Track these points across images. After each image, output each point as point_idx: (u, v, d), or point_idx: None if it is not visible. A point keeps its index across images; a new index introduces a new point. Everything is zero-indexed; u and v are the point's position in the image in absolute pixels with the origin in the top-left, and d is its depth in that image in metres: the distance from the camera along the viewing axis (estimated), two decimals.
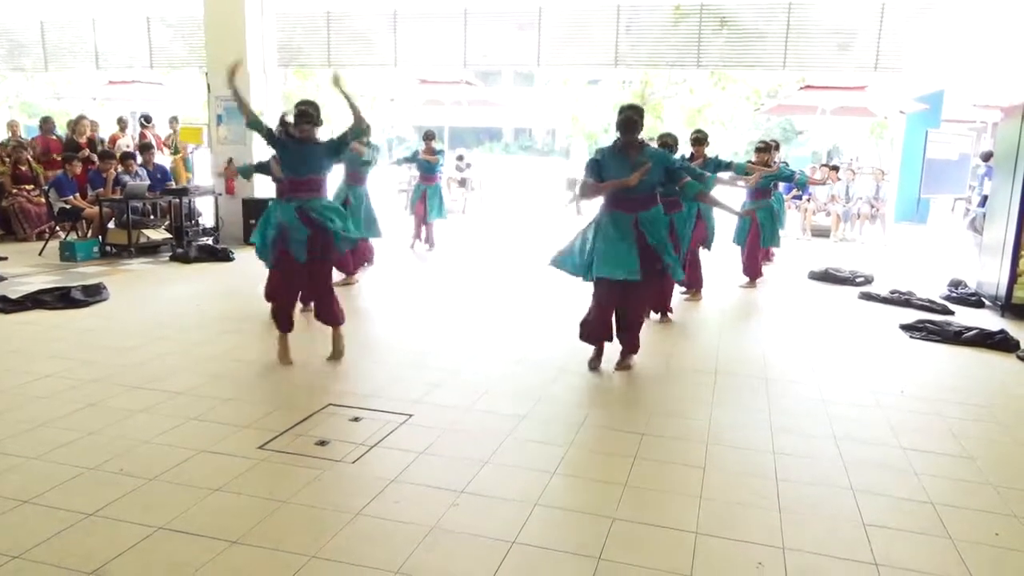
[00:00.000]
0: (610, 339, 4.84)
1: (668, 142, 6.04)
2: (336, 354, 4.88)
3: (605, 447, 3.62)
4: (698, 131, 6.91)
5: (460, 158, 15.95)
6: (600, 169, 4.59)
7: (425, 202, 9.28)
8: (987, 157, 12.78)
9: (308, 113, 4.67)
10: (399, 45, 12.40)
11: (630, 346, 4.85)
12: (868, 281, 8.06)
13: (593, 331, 4.79)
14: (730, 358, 5.19)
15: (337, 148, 4.75)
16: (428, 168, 9.23)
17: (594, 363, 4.82)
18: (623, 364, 4.83)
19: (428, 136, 9.34)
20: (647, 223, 4.54)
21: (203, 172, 12.21)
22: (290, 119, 4.71)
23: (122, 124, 12.34)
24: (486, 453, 3.48)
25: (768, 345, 5.56)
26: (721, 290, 7.49)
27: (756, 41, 11.42)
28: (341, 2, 12.39)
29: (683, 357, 5.21)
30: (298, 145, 4.69)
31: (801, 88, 14.12)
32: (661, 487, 3.20)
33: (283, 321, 4.82)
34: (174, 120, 12.67)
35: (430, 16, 12.28)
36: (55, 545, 2.63)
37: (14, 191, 9.74)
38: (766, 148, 7.76)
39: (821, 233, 12.16)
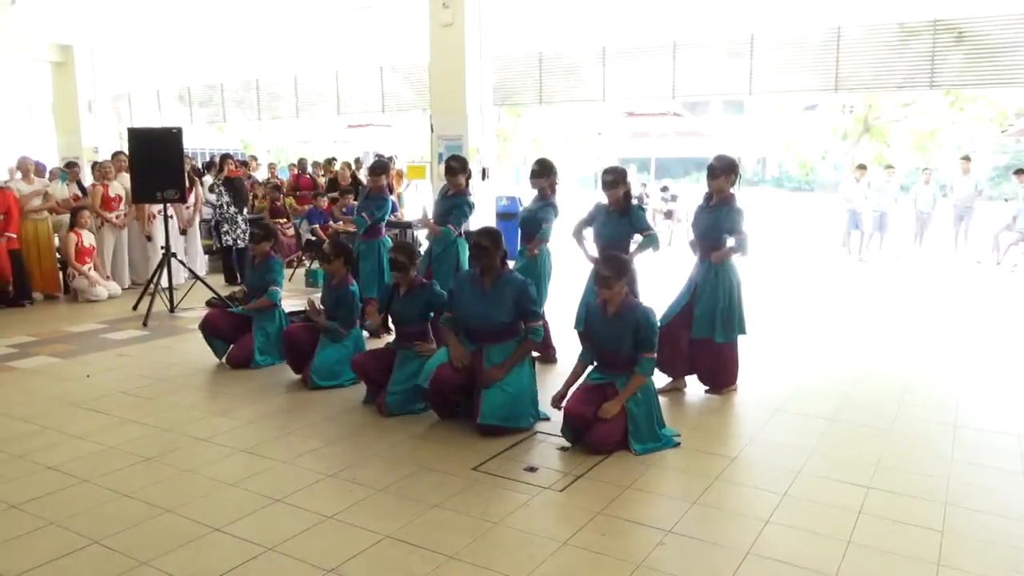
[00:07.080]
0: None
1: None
2: None
3: (824, 498, 3.38)
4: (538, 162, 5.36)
5: (664, 189, 15.80)
6: (453, 300, 4.20)
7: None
8: None
9: (398, 261, 4.30)
10: (607, 79, 12.62)
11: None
12: None
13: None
14: (971, 406, 4.62)
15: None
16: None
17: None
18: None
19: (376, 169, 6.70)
20: (495, 356, 4.05)
21: (414, 208, 13.04)
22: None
23: (358, 164, 13.71)
24: (695, 493, 3.40)
25: (1018, 394, 4.87)
26: (963, 330, 6.71)
27: (999, 55, 10.21)
28: (552, 42, 12.88)
29: (913, 406, 4.70)
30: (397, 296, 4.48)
31: None
32: (890, 548, 2.93)
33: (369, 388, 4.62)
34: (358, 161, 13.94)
35: (638, 50, 12.38)
36: (303, 538, 2.96)
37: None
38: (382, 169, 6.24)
39: None
